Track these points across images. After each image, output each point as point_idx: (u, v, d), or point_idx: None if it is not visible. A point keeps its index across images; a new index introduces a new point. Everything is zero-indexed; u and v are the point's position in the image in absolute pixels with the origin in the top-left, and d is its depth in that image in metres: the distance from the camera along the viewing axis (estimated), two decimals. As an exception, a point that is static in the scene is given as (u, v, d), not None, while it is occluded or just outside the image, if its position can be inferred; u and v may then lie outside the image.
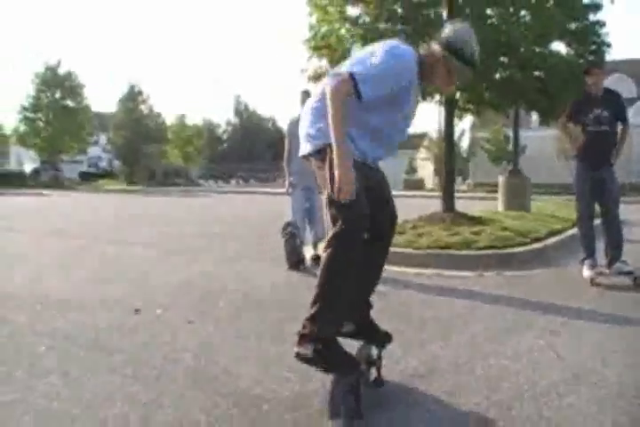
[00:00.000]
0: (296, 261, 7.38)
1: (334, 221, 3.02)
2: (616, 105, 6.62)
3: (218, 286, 6.35)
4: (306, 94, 7.91)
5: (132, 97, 49.55)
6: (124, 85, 54.76)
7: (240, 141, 70.48)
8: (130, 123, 47.94)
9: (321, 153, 3.09)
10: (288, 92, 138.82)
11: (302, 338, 2.97)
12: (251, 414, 3.01)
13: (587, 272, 6.56)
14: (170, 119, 54.60)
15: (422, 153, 46.36)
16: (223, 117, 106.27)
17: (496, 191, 15.99)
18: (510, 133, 23.81)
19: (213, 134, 69.29)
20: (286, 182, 7.80)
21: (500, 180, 15.20)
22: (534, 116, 33.56)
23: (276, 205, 16.87)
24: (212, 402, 3.14)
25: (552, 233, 9.44)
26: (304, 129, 3.23)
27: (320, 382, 3.33)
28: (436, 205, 11.11)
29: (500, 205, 14.67)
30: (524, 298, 5.72)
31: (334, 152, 2.93)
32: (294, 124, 7.79)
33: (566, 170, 30.29)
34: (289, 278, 6.88)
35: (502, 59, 10.28)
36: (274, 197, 24.27)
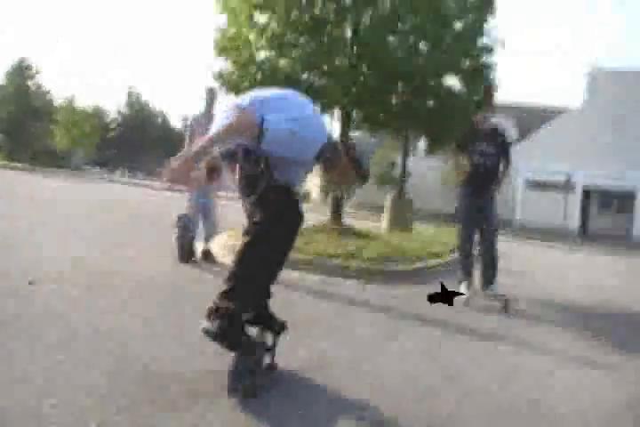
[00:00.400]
0: (186, 254, 7.45)
1: (251, 216, 3.33)
2: (500, 143, 7.22)
3: (110, 267, 6.35)
4: (211, 91, 8.06)
5: (20, 71, 47.51)
6: (14, 59, 52.38)
7: (129, 132, 68.82)
8: (15, 97, 45.88)
9: (232, 156, 3.31)
10: (182, 88, 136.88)
11: (211, 313, 3.13)
12: (151, 384, 3.14)
13: (463, 292, 7.05)
14: (59, 100, 52.60)
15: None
16: (113, 106, 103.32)
17: (379, 212, 16.66)
18: (397, 160, 24.81)
19: (102, 121, 67.38)
20: None
21: (387, 200, 15.88)
22: (421, 145, 34.97)
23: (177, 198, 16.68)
24: (111, 375, 3.24)
25: (432, 255, 9.93)
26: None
27: (217, 360, 3.49)
28: (321, 219, 11.47)
29: (384, 224, 15.32)
30: (404, 310, 6.04)
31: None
32: (197, 119, 7.93)
33: (450, 199, 31.89)
34: (181, 268, 6.95)
35: (399, 84, 10.75)
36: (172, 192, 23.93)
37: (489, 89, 7.08)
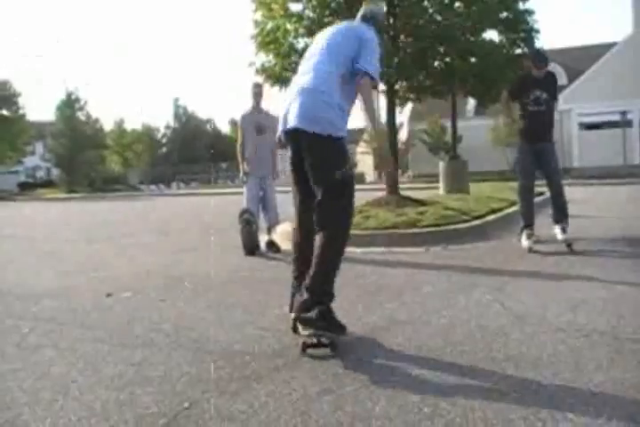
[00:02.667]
0: (252, 247, 7.68)
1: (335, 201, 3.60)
2: (553, 87, 7.19)
3: (179, 271, 6.63)
4: (257, 86, 8.24)
5: (70, 104, 48.95)
6: (61, 93, 53.96)
7: (180, 145, 70.03)
8: (68, 131, 47.36)
9: (323, 138, 3.58)
10: (225, 94, 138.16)
11: (305, 304, 3.51)
12: (235, 362, 3.34)
13: (525, 242, 7.07)
14: (109, 125, 54.04)
15: (362, 147, 46.90)
16: (162, 121, 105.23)
17: (436, 181, 16.58)
18: (447, 124, 24.57)
19: (153, 138, 68.74)
20: (241, 171, 8.10)
21: (441, 165, 15.82)
22: (469, 106, 34.49)
23: (226, 203, 17.03)
24: (197, 358, 3.46)
25: (491, 212, 9.94)
26: (310, 110, 3.61)
27: (292, 339, 3.67)
28: (378, 194, 11.54)
29: (441, 189, 15.28)
30: (469, 265, 6.17)
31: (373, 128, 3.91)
32: (247, 116, 8.13)
33: (501, 158, 31.41)
34: (248, 261, 7.19)
35: (440, 48, 10.71)
36: (223, 197, 24.42)
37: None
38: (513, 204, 11.18)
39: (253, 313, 4.47)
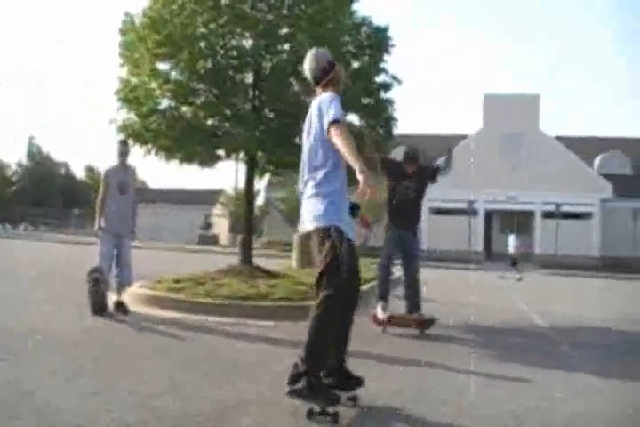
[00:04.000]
0: (100, 307, 7.42)
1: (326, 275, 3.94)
2: (423, 180, 7.75)
3: (24, 327, 6.29)
4: (124, 144, 8.15)
5: None
6: None
7: (31, 185, 66.88)
8: None
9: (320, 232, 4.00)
10: (83, 138, 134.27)
11: (294, 377, 3.79)
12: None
13: (380, 314, 7.44)
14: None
15: (218, 209, 46.91)
16: (14, 158, 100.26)
17: (289, 250, 16.83)
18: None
19: (3, 175, 65.37)
20: (96, 225, 7.88)
21: (295, 238, 16.09)
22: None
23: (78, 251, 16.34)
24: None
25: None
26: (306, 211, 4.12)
27: (137, 415, 3.59)
28: (231, 261, 11.59)
29: (294, 262, 15.49)
30: None
31: (360, 171, 3.72)
32: (111, 173, 7.96)
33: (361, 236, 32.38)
34: (95, 322, 6.95)
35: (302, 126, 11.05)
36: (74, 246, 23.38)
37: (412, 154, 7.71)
38: (366, 281, 11.57)
39: (100, 383, 4.31)
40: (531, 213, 36.22)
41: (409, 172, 7.64)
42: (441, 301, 10.82)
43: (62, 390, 4.09)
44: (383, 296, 7.58)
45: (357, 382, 4.13)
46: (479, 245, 34.93)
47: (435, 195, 33.46)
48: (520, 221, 37.29)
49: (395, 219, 7.65)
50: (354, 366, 4.27)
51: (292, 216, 36.03)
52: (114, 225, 7.80)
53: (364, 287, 10.74)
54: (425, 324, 7.30)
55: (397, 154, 10.34)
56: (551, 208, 33.45)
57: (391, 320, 7.36)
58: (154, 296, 8.59)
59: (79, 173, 75.07)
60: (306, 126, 4.30)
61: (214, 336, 6.45)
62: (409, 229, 7.65)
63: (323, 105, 4.08)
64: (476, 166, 32.81)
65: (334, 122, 3.93)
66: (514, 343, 7.17)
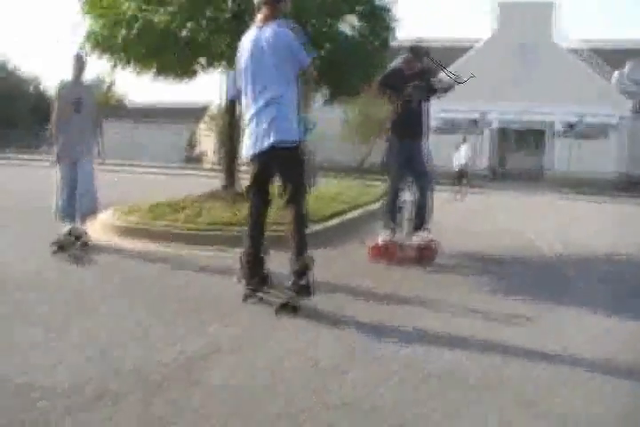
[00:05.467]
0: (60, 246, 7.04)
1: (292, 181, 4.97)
2: (428, 84, 7.24)
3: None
4: (79, 58, 7.63)
5: None
6: None
7: (-6, 103, 65.47)
8: None
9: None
10: (58, 51, 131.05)
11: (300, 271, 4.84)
12: (17, 403, 2.95)
13: (382, 236, 7.17)
14: None
15: (204, 126, 46.21)
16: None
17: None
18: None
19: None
20: (55, 154, 7.45)
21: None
22: (317, 96, 34.84)
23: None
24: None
25: (335, 214, 9.93)
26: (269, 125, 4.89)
27: (92, 367, 3.33)
28: (216, 183, 11.23)
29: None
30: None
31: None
32: (66, 87, 7.51)
33: (351, 155, 32.06)
34: (49, 260, 6.57)
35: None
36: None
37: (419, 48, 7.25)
38: (356, 206, 11.33)
39: (52, 331, 4.04)
40: (545, 127, 35.60)
41: (410, 73, 7.18)
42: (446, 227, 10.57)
43: (8, 339, 3.84)
44: (390, 221, 7.26)
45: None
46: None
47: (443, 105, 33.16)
48: (534, 137, 36.92)
49: (398, 129, 7.21)
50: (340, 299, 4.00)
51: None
52: (70, 150, 7.34)
53: (360, 213, 10.58)
54: (427, 254, 7.04)
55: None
56: (570, 120, 33.08)
57: (391, 250, 7.06)
58: (126, 225, 8.31)
59: (54, 88, 73.61)
60: (250, 51, 5.03)
61: (189, 271, 6.21)
62: (415, 139, 7.26)
63: (292, 44, 4.93)
64: (487, 77, 32.17)
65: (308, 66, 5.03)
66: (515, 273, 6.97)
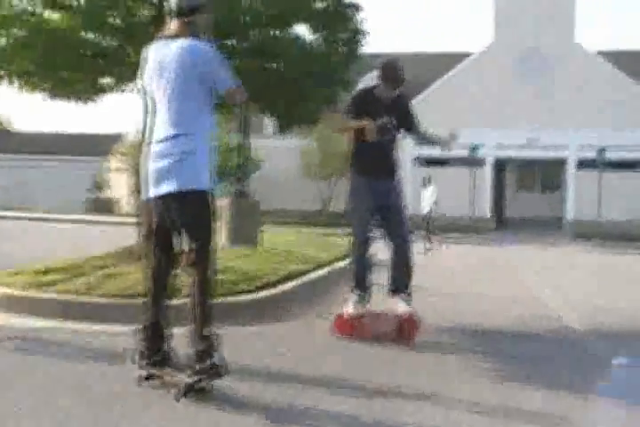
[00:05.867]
0: None
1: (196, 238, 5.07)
2: (405, 112, 7.53)
3: None
4: None
5: None
6: None
7: None
8: None
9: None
10: None
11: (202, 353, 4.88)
12: None
13: (351, 307, 7.19)
14: None
15: (115, 162, 46.06)
16: None
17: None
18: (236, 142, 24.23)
19: None
20: None
21: (223, 205, 15.59)
22: (268, 120, 35.03)
23: None
24: None
25: (291, 276, 9.95)
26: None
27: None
28: (133, 237, 11.20)
29: (223, 238, 15.12)
30: (247, 366, 5.90)
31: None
32: None
33: (312, 194, 32.04)
34: None
35: (229, 42, 10.68)
36: None
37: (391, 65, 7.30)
38: (321, 265, 11.37)
39: None
40: (560, 163, 35.83)
41: (385, 98, 7.32)
42: (431, 289, 10.65)
43: None
44: (359, 284, 7.32)
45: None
46: (486, 209, 34.80)
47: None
48: (545, 174, 37.24)
49: (366, 165, 7.31)
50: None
51: (223, 175, 35.49)
52: None
53: (323, 273, 10.65)
54: (409, 328, 7.08)
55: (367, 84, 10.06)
56: (591, 154, 33.28)
57: (363, 322, 7.14)
58: (5, 295, 8.29)
59: None
60: (153, 70, 5.22)
61: (79, 355, 6.23)
62: (389, 176, 7.41)
63: (209, 62, 5.08)
64: (483, 96, 32.58)
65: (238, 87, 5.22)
66: (535, 355, 7.00)
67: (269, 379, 5.51)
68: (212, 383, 4.88)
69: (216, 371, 4.85)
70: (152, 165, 5.04)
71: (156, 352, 5.14)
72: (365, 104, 7.37)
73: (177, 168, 4.94)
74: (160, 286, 5.33)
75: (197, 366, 4.83)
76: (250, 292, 8.67)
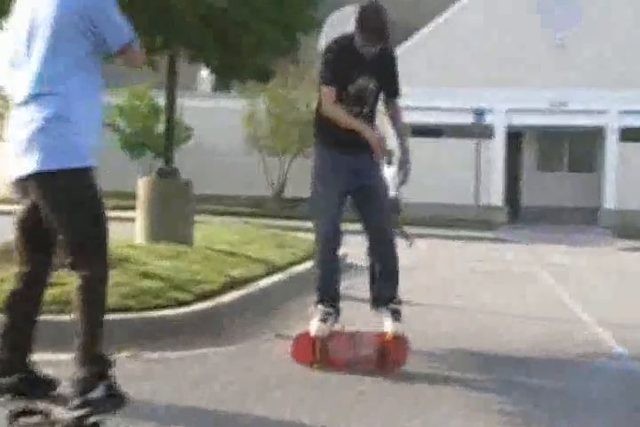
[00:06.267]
0: None
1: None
2: (389, 74, 7.49)
3: None
4: None
5: None
6: None
7: None
8: None
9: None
10: None
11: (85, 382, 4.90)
12: None
13: (315, 326, 7.12)
14: None
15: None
16: None
17: (132, 208, 16.20)
18: (161, 101, 23.72)
19: None
20: None
21: (142, 187, 15.30)
22: (204, 75, 34.77)
23: None
24: None
25: (236, 283, 9.95)
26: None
27: None
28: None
29: (140, 234, 14.91)
30: (172, 405, 5.86)
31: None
32: None
33: (259, 172, 31.93)
34: None
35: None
36: None
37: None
38: (273, 269, 11.38)
39: None
40: (596, 133, 35.84)
41: (367, 54, 7.16)
42: (427, 301, 10.71)
43: None
44: (325, 296, 7.29)
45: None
46: (496, 196, 34.79)
47: (413, 100, 33.55)
48: (575, 148, 37.26)
49: (338, 135, 7.18)
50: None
51: (139, 146, 35.23)
52: None
53: (279, 280, 10.66)
54: (395, 353, 7.07)
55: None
56: (638, 122, 33.27)
57: (331, 345, 7.11)
58: None
59: None
60: (28, 22, 5.10)
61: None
62: (367, 150, 7.17)
63: (101, 7, 5.09)
64: (490, 43, 32.62)
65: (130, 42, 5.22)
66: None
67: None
68: (102, 420, 4.83)
69: (104, 405, 4.83)
70: (12, 137, 5.02)
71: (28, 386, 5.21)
72: (343, 63, 7.24)
73: (39, 139, 4.83)
74: (34, 292, 5.34)
75: (81, 398, 4.81)
76: (180, 304, 8.65)
